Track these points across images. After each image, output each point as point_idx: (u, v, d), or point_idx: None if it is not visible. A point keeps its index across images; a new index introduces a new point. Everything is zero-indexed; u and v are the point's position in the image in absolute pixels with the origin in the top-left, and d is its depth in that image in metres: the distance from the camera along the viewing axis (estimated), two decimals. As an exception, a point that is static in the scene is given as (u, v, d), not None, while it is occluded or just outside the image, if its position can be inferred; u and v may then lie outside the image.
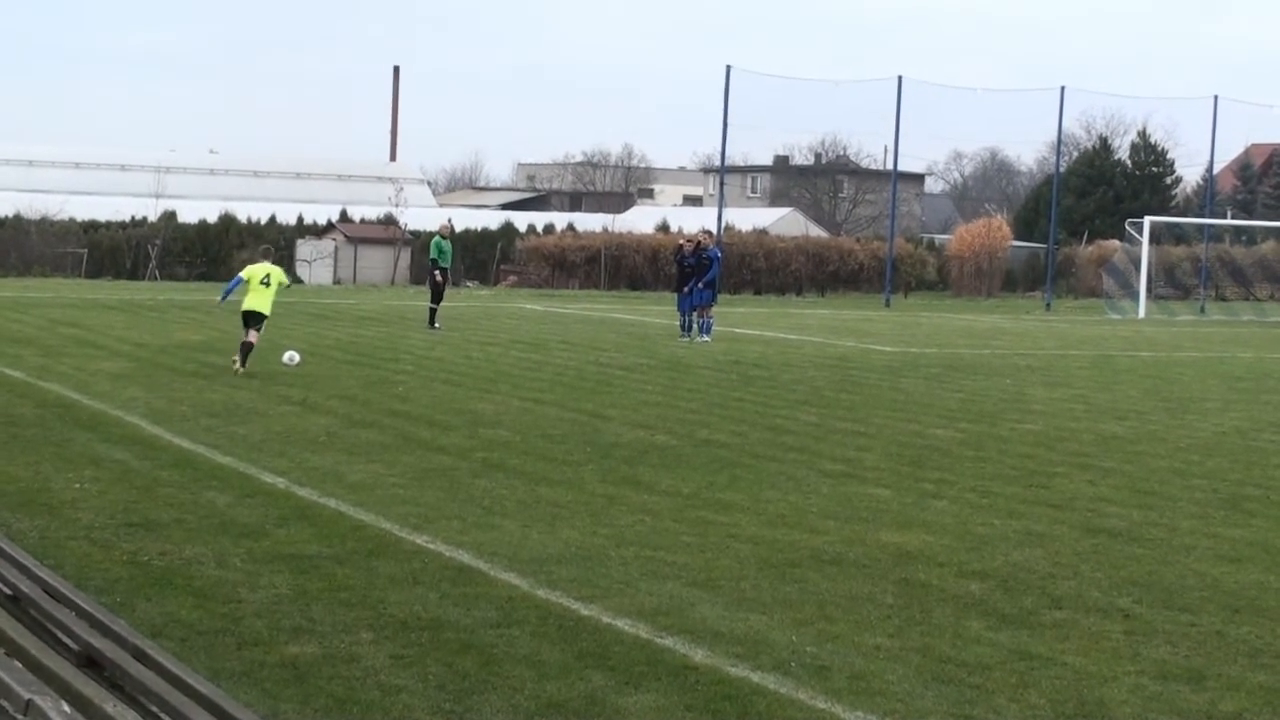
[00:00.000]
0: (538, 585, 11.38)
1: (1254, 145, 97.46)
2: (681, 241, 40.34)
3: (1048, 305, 63.05)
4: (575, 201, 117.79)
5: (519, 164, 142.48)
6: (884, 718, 8.73)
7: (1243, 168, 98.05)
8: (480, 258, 69.88)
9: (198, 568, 11.60)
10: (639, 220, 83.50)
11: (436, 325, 37.32)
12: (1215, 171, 78.10)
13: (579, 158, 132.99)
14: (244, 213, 70.21)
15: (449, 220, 45.60)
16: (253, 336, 25.03)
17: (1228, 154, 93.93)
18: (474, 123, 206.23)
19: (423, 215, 70.83)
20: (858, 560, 12.65)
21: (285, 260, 64.60)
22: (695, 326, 37.21)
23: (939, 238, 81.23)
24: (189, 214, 68.76)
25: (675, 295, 39.22)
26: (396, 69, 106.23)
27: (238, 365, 24.79)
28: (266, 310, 25.31)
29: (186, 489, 14.81)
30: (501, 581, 11.49)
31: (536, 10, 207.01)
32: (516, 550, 12.55)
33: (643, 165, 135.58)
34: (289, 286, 28.21)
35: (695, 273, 37.63)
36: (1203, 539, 14.01)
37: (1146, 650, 10.22)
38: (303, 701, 8.60)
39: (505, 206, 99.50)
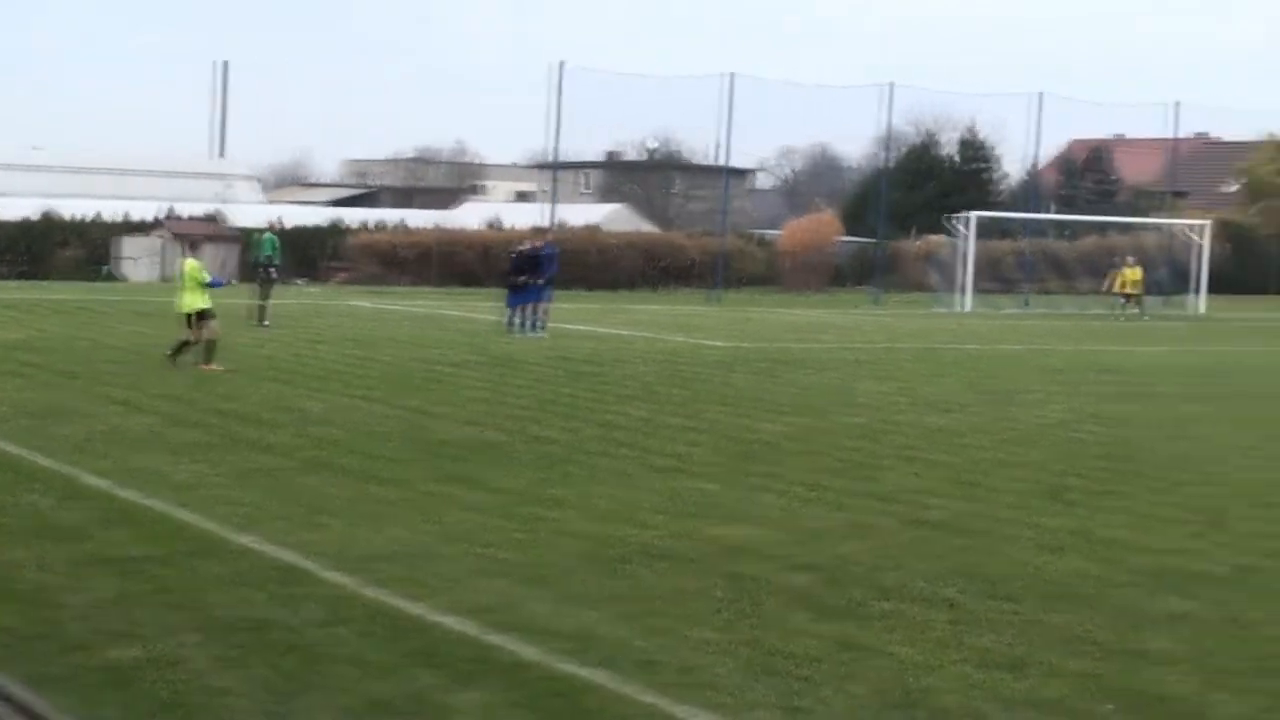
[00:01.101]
0: (365, 584, 11.31)
1: (1076, 141, 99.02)
2: (522, 248, 40.24)
3: (875, 299, 63.63)
4: (406, 198, 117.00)
5: (349, 160, 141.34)
6: (712, 711, 8.77)
7: (1065, 163, 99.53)
8: (310, 254, 69.17)
9: (18, 572, 11.39)
10: (470, 216, 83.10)
11: (266, 323, 36.96)
12: (1039, 167, 79.42)
13: (410, 154, 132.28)
14: (67, 210, 68.98)
15: (278, 217, 45.15)
16: (210, 331, 25.24)
17: (1051, 150, 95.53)
18: (303, 119, 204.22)
19: (252, 212, 70.05)
20: (687, 554, 12.69)
21: (108, 258, 63.77)
22: (528, 323, 37.20)
23: (769, 233, 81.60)
24: (9, 211, 67.43)
25: (507, 292, 39.12)
26: (225, 64, 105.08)
27: (215, 366, 25.13)
28: (206, 303, 25.84)
29: (6, 492, 14.53)
30: (328, 581, 11.41)
31: (366, 5, 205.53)
32: (344, 549, 12.46)
33: (474, 161, 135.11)
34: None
35: (532, 270, 37.66)
36: (1025, 529, 14.22)
37: (970, 639, 10.35)
38: (126, 706, 8.48)
39: (335, 203, 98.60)
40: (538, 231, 42.55)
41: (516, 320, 37.63)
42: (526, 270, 37.76)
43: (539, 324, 37.13)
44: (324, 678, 9.07)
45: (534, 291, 37.50)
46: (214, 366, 25.33)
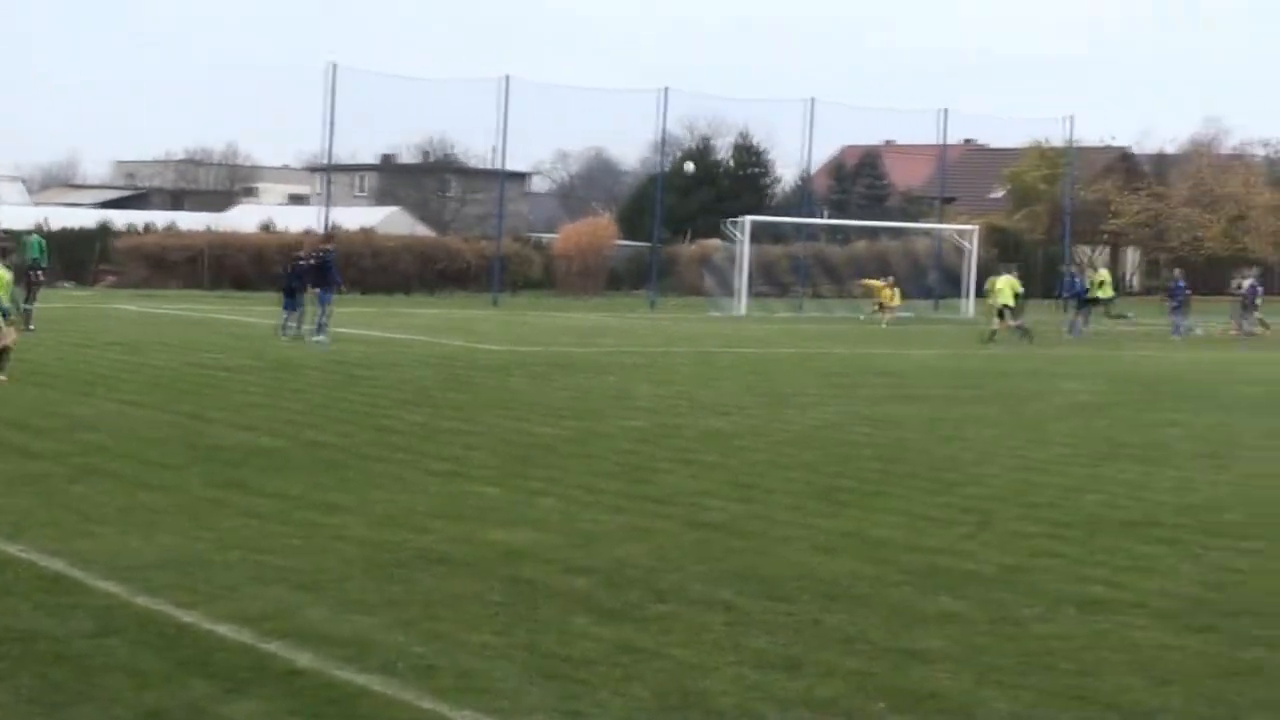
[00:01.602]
0: (137, 593, 11.10)
1: (847, 147, 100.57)
2: (301, 254, 39.83)
3: (652, 303, 63.96)
4: (177, 200, 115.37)
5: (119, 162, 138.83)
6: (490, 715, 8.74)
7: (837, 169, 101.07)
8: (77, 257, 67.84)
9: None
10: (243, 219, 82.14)
11: (31, 327, 36.19)
12: (811, 172, 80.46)
13: (180, 155, 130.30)
14: None
15: (44, 219, 44.27)
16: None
17: (823, 156, 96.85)
18: (72, 120, 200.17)
19: (17, 214, 68.48)
20: (465, 559, 12.63)
21: None
22: (308, 327, 36.84)
23: (546, 237, 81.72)
24: None
25: (283, 296, 38.70)
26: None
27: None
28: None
29: None
30: (99, 590, 11.18)
31: (134, 5, 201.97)
32: (114, 557, 12.23)
33: (247, 164, 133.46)
34: None
35: (321, 277, 37.37)
36: (800, 530, 14.35)
37: (746, 640, 10.40)
38: (-115, 722, 8.25)
39: (103, 205, 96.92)
40: (326, 237, 42.29)
41: (293, 325, 37.28)
42: (313, 277, 37.48)
43: (323, 328, 36.76)
44: (95, 688, 8.89)
45: (320, 296, 37.22)
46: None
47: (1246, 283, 54.74)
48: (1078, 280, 53.76)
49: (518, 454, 18.69)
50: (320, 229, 61.47)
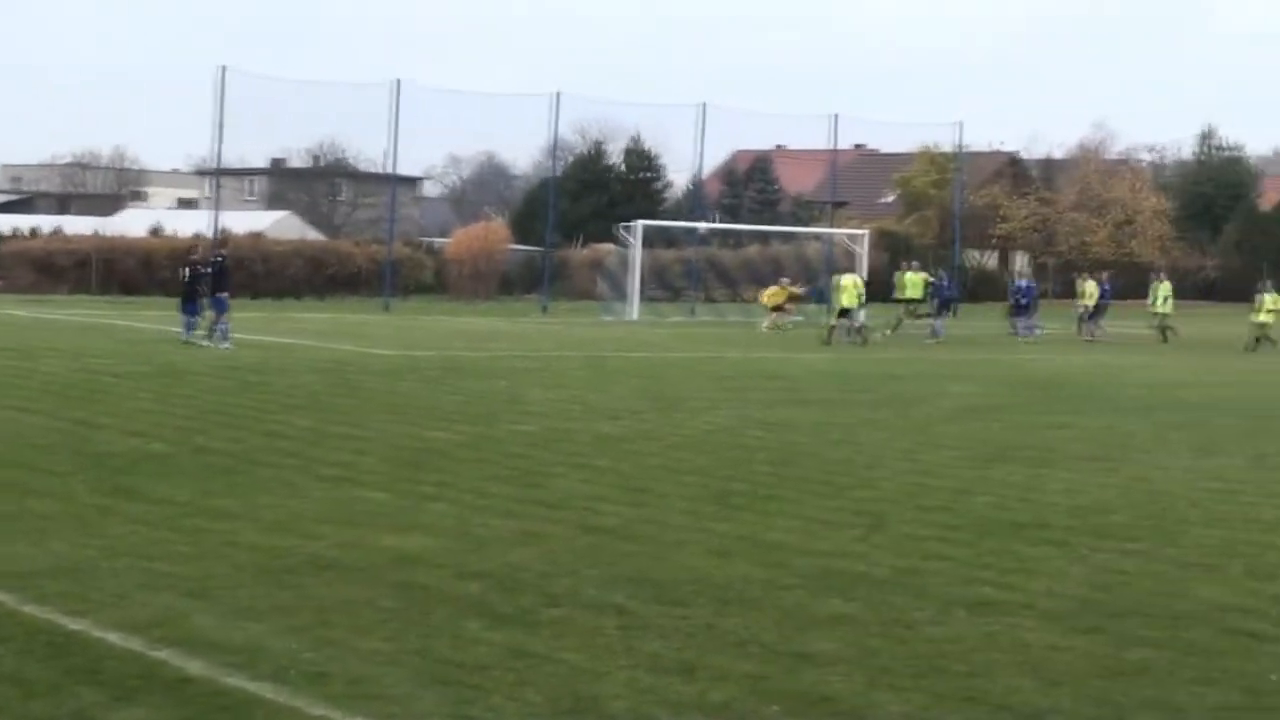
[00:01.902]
0: (24, 601, 10.96)
1: (739, 151, 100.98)
2: (197, 258, 39.55)
3: (544, 308, 63.90)
4: (64, 204, 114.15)
5: (3, 165, 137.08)
6: (383, 721, 8.72)
7: (728, 173, 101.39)
8: (-38, 262, 67.02)
9: None
10: (131, 223, 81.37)
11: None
12: (703, 177, 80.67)
13: (67, 159, 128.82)
14: None
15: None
16: None
17: (715, 160, 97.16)
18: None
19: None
20: (355, 564, 12.57)
21: None
22: (211, 333, 36.54)
23: (438, 241, 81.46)
24: None
25: (181, 302, 38.40)
26: None
27: None
28: None
29: None
30: (-15, 598, 11.05)
31: (19, 6, 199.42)
32: (1, 565, 12.07)
33: (135, 167, 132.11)
34: None
35: (218, 281, 37.14)
36: (693, 534, 14.36)
37: (640, 644, 10.40)
38: None
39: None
40: (220, 242, 42.03)
41: (197, 331, 36.99)
42: (210, 282, 37.23)
43: (226, 333, 36.46)
44: (-20, 698, 8.79)
45: (217, 302, 36.96)
46: None
47: (1091, 285, 55.12)
48: (945, 285, 54.04)
49: (408, 459, 18.61)
50: (210, 233, 61.02)
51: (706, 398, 27.39)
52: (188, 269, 38.56)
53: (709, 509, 15.77)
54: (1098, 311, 53.47)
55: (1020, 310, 54.03)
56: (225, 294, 37.20)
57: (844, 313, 45.78)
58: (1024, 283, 55.77)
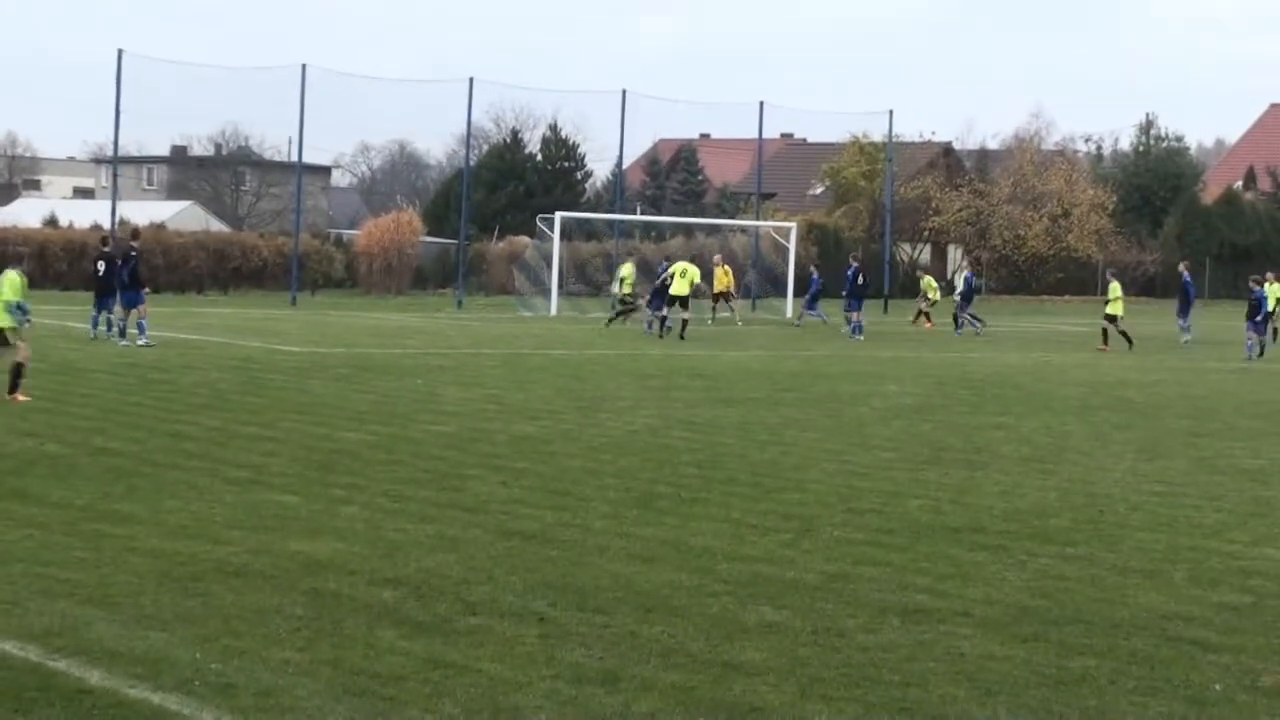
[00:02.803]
0: (-88, 610, 10.61)
1: (662, 140, 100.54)
2: (110, 251, 38.89)
3: (459, 303, 63.43)
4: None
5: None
6: (292, 736, 8.46)
7: (651, 163, 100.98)
8: None
9: None
10: (25, 213, 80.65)
11: None
12: (625, 166, 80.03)
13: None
14: None
15: None
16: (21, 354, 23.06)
17: (637, 149, 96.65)
18: None
19: None
20: (265, 571, 12.31)
21: None
22: (123, 329, 35.91)
23: (347, 233, 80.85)
24: None
25: (95, 296, 37.80)
26: None
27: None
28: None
29: None
30: None
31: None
32: (-115, 572, 11.71)
33: (28, 155, 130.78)
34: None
35: (131, 275, 36.57)
36: (616, 539, 14.12)
37: (561, 653, 10.22)
38: None
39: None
40: (133, 234, 41.45)
41: (105, 327, 36.42)
42: (124, 274, 36.60)
43: (143, 329, 35.81)
44: None
45: (130, 296, 36.29)
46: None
47: (964, 275, 55.46)
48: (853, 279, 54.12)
49: (319, 460, 18.33)
50: (108, 224, 60.12)
51: (629, 397, 27.08)
52: (102, 262, 37.85)
53: (632, 513, 15.52)
54: (965, 302, 53.52)
55: (966, 302, 53.83)
56: (145, 289, 36.44)
57: (675, 300, 45.27)
58: (969, 274, 55.80)
